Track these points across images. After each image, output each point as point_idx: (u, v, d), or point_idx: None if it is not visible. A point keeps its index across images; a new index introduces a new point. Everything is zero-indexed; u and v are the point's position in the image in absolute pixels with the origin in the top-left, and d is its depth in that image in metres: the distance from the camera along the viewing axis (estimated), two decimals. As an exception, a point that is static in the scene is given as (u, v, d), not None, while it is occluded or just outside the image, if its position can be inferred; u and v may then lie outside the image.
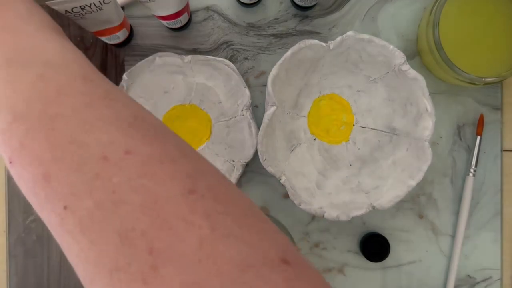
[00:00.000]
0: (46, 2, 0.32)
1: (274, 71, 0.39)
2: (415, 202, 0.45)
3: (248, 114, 0.42)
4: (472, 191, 0.44)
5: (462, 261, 0.45)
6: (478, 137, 0.44)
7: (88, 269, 0.19)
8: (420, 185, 0.44)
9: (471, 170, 0.44)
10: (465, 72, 0.38)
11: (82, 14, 0.35)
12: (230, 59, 0.45)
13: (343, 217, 0.39)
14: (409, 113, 0.41)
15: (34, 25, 0.25)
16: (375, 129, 0.43)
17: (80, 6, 0.34)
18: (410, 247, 0.45)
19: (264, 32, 0.45)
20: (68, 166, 0.20)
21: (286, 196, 0.45)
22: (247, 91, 0.42)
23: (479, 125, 0.44)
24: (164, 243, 0.18)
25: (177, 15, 0.40)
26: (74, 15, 0.35)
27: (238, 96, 0.43)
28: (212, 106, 0.44)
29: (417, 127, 0.40)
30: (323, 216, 0.39)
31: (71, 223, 0.19)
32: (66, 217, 0.19)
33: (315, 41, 0.39)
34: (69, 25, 0.46)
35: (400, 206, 0.45)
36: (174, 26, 0.43)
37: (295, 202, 0.39)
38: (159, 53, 0.42)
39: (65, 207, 0.19)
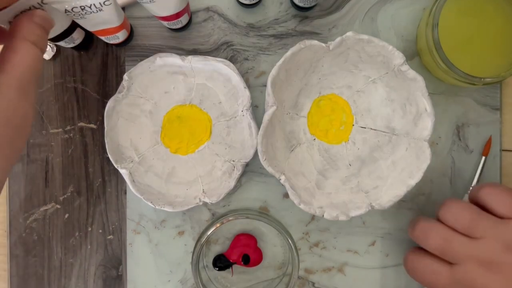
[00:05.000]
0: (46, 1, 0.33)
1: (274, 71, 0.39)
2: (414, 202, 0.45)
3: (248, 114, 0.42)
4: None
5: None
6: (483, 157, 0.44)
7: None
8: (420, 185, 0.45)
9: (470, 188, 0.43)
10: (464, 72, 0.38)
11: (82, 14, 0.36)
12: (230, 60, 0.45)
13: (343, 217, 0.39)
14: (409, 113, 0.41)
15: None
16: (375, 129, 0.43)
17: (80, 6, 0.34)
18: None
19: (264, 33, 0.45)
20: None
21: (286, 196, 0.45)
22: (247, 92, 0.42)
23: (487, 147, 0.44)
24: None
25: (177, 15, 0.40)
26: (74, 15, 0.35)
27: (238, 96, 0.43)
28: (212, 106, 0.44)
29: (416, 127, 0.41)
30: (323, 215, 0.39)
31: None
32: None
33: (315, 42, 0.40)
34: (69, 26, 0.46)
35: (399, 205, 0.45)
36: (174, 27, 0.43)
37: (295, 202, 0.39)
38: (160, 54, 0.43)
39: None
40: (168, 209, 0.42)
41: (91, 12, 0.35)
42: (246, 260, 0.43)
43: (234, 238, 0.44)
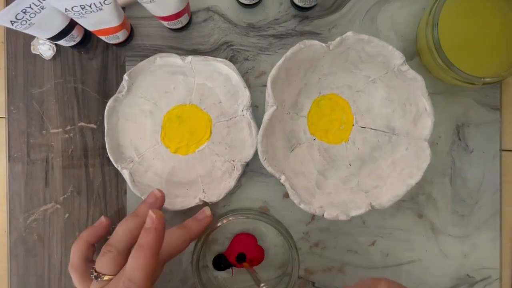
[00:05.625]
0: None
1: (274, 71, 0.39)
2: (414, 201, 0.45)
3: (248, 114, 0.42)
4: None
5: (461, 260, 0.45)
6: None
7: None
8: (420, 185, 0.45)
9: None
10: (464, 72, 0.38)
11: (82, 13, 0.36)
12: (230, 60, 0.45)
13: (343, 217, 0.39)
14: (409, 113, 0.41)
15: None
16: (375, 129, 0.43)
17: (80, 5, 0.34)
18: (409, 246, 0.45)
19: (264, 33, 0.45)
20: None
21: (286, 195, 0.45)
22: (247, 91, 0.42)
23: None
24: None
25: (177, 15, 0.40)
26: (74, 14, 0.35)
27: (238, 96, 0.43)
28: (212, 106, 0.44)
29: (416, 127, 0.41)
30: (323, 215, 0.39)
31: None
32: None
33: (315, 42, 0.40)
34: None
35: (399, 205, 0.45)
36: (174, 27, 0.43)
37: (295, 201, 0.39)
38: (160, 54, 0.43)
39: None
40: (168, 209, 0.42)
41: (91, 11, 0.35)
42: (241, 259, 0.43)
43: (234, 238, 0.44)
